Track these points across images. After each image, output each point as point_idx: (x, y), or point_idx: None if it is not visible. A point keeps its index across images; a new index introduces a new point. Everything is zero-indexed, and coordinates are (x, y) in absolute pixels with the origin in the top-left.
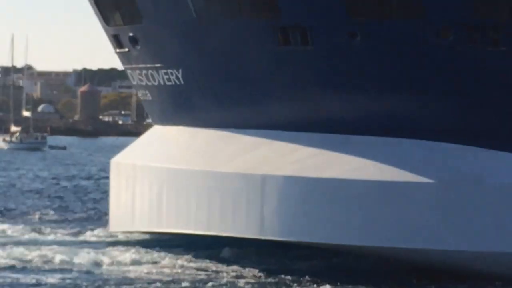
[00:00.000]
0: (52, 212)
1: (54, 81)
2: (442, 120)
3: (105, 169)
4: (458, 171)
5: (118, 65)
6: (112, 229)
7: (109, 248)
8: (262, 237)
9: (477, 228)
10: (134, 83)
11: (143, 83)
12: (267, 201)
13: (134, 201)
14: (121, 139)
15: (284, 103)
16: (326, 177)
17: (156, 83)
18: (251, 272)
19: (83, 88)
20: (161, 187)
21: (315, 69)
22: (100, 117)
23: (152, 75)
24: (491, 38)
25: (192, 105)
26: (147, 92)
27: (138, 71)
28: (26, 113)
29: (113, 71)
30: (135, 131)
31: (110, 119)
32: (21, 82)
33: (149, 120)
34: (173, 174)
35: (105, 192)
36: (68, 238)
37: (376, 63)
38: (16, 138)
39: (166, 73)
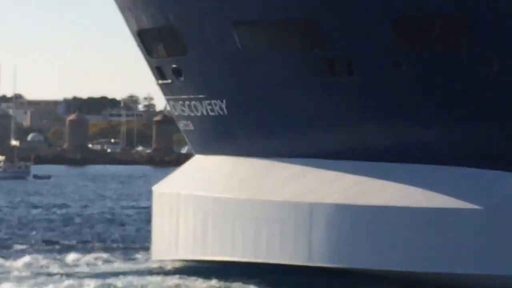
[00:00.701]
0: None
1: (44, 110)
2: (487, 147)
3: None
4: (505, 196)
5: (109, 94)
6: (155, 257)
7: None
8: (311, 264)
9: None
10: (176, 113)
11: (185, 114)
12: (315, 229)
13: (178, 229)
14: (110, 167)
15: (328, 132)
16: (373, 204)
17: (199, 114)
18: None
19: (72, 117)
20: (206, 216)
21: (360, 99)
22: (89, 145)
23: (195, 105)
24: None
25: (236, 134)
26: (189, 122)
27: (180, 102)
28: (14, 142)
29: (103, 99)
30: (124, 159)
31: (99, 147)
32: (10, 111)
33: (139, 148)
34: (218, 203)
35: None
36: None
37: (421, 92)
38: (0, 167)
39: (210, 104)
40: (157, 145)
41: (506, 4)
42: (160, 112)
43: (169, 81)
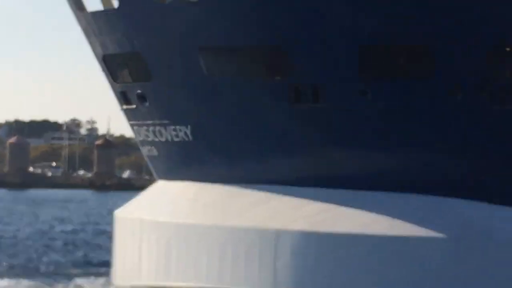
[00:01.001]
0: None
1: None
2: (450, 176)
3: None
4: (468, 226)
5: (51, 117)
6: (117, 283)
7: None
8: None
9: (487, 282)
10: (140, 139)
11: (149, 139)
12: (280, 255)
13: (141, 255)
14: (49, 191)
15: (293, 159)
16: (338, 232)
17: (163, 139)
18: None
19: (12, 140)
20: (169, 241)
21: (326, 126)
22: (31, 169)
23: (159, 131)
24: (499, 97)
25: (200, 160)
26: (153, 147)
27: (145, 127)
28: None
29: (45, 122)
30: (65, 183)
31: (40, 171)
32: None
33: (80, 172)
34: (182, 228)
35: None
36: None
37: (385, 120)
38: None
39: (175, 129)
40: (98, 169)
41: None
42: (103, 136)
43: (134, 106)
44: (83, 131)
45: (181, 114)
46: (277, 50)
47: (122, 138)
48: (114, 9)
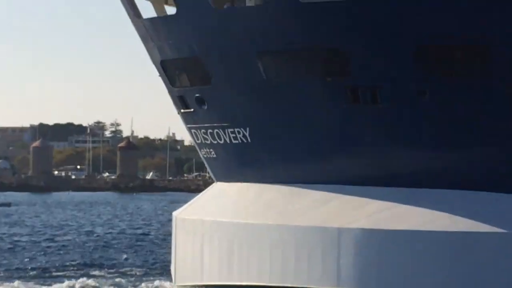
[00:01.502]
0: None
1: (11, 137)
2: (510, 173)
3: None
4: None
5: (74, 120)
6: (179, 282)
7: None
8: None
9: None
10: (198, 141)
11: (208, 142)
12: (343, 253)
13: (203, 255)
14: (73, 193)
15: (352, 159)
16: (401, 229)
17: (221, 142)
18: None
19: (36, 144)
20: (232, 241)
21: (384, 126)
22: (55, 172)
23: (218, 134)
24: None
25: (259, 162)
26: (211, 150)
27: (203, 130)
28: None
29: (69, 125)
30: (88, 185)
31: (63, 174)
32: None
33: (104, 174)
34: (244, 228)
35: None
36: None
37: (445, 119)
38: None
39: (233, 132)
40: (122, 171)
41: None
42: (127, 138)
43: (192, 110)
44: (107, 133)
45: (239, 117)
46: (334, 51)
47: (146, 140)
48: (172, 15)
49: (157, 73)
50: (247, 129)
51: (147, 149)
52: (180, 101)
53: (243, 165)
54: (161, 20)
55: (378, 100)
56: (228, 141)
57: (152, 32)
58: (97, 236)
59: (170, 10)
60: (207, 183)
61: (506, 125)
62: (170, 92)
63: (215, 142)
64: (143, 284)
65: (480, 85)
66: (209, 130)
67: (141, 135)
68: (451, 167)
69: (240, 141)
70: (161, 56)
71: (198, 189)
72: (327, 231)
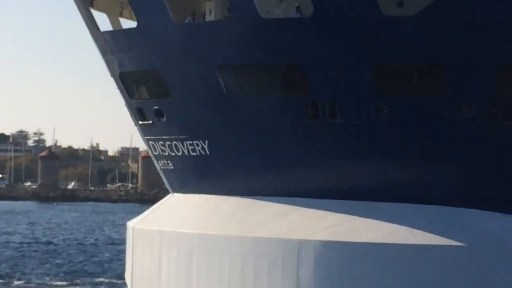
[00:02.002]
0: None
1: None
2: (466, 187)
3: None
4: (484, 234)
5: None
6: None
7: None
8: None
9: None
10: (156, 153)
11: (166, 154)
12: (303, 265)
13: (161, 265)
14: None
15: (312, 172)
16: (362, 242)
17: (179, 153)
18: None
19: None
20: (191, 252)
21: (343, 140)
22: None
23: (176, 145)
24: (507, 114)
25: (217, 174)
26: (169, 161)
27: (161, 142)
28: None
29: None
30: (9, 194)
31: None
32: None
33: (26, 184)
34: (204, 239)
35: None
36: None
37: (401, 135)
38: None
39: (192, 144)
40: (43, 181)
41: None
42: (49, 147)
43: (150, 122)
44: (30, 142)
45: (198, 129)
46: (295, 68)
47: (69, 150)
48: (133, 28)
49: (115, 86)
50: (206, 141)
51: (70, 158)
52: (138, 113)
53: (201, 177)
54: (122, 33)
55: (337, 115)
56: (186, 153)
57: (112, 44)
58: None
59: (125, 23)
60: (129, 194)
61: (461, 141)
62: (129, 104)
63: (173, 154)
64: None
65: (436, 102)
66: (167, 142)
67: (64, 145)
68: (407, 182)
69: (198, 153)
70: (120, 68)
71: (120, 199)
72: (287, 243)
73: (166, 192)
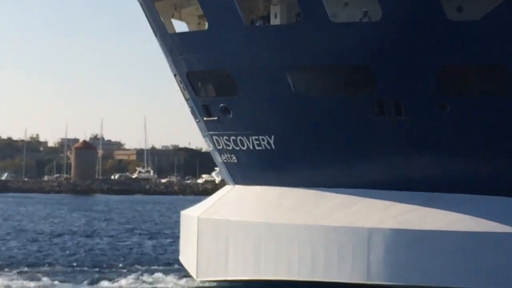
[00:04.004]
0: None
1: None
2: None
3: None
4: None
5: None
6: (201, 278)
7: None
8: (369, 282)
9: None
10: (219, 147)
11: (230, 148)
12: (373, 252)
13: (228, 252)
14: None
15: (375, 165)
16: (429, 229)
17: (244, 148)
18: None
19: None
20: (258, 240)
21: (408, 136)
22: None
23: (241, 140)
24: None
25: (282, 167)
26: (232, 155)
27: (225, 137)
28: None
29: None
30: None
31: None
32: None
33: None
34: (271, 228)
35: None
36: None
37: (464, 130)
38: None
39: (257, 139)
40: None
41: None
42: None
43: (216, 118)
44: None
45: (265, 125)
46: (362, 68)
47: (8, 141)
48: (205, 30)
49: (176, 85)
50: (272, 137)
51: (8, 149)
52: (204, 110)
53: (265, 169)
54: (193, 34)
55: (402, 113)
56: (251, 147)
57: (180, 45)
58: None
59: (178, 24)
60: (61, 185)
61: None
62: (194, 101)
63: (237, 148)
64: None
65: (496, 102)
66: (232, 137)
67: (4, 136)
68: (468, 174)
69: (263, 148)
70: (188, 68)
71: (52, 190)
72: (357, 231)
73: (101, 183)
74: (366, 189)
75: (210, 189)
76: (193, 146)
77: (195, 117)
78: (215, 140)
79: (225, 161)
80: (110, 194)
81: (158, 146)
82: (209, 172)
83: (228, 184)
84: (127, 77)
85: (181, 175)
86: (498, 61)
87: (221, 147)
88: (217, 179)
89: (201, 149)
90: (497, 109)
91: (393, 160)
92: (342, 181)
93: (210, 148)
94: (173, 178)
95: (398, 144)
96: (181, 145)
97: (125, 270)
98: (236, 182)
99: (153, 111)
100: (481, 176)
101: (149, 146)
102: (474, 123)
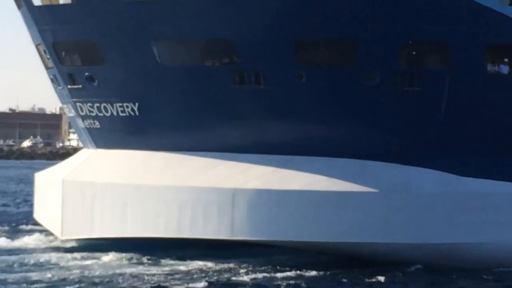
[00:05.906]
0: None
1: None
2: (371, 144)
3: None
4: (391, 182)
5: None
6: (66, 236)
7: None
8: (234, 238)
9: (404, 225)
10: (82, 113)
11: (93, 114)
12: (237, 210)
13: (93, 212)
14: None
15: (235, 130)
16: (289, 189)
17: (108, 114)
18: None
19: None
20: (125, 200)
21: (266, 104)
22: None
23: (105, 107)
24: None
25: (146, 132)
26: (95, 121)
27: (89, 104)
28: None
29: None
30: None
31: None
32: None
33: None
34: (137, 189)
35: None
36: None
37: (318, 99)
38: None
39: (121, 106)
40: None
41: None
42: None
43: (80, 86)
44: None
45: (129, 93)
46: (226, 42)
47: None
48: (73, 4)
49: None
50: (136, 104)
51: None
52: (68, 78)
53: (130, 134)
54: (61, 7)
55: (261, 83)
56: (115, 113)
57: (47, 17)
58: None
59: None
60: None
61: (369, 105)
62: (58, 69)
63: (101, 114)
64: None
65: (347, 73)
66: (96, 104)
67: None
68: (322, 138)
69: (127, 114)
70: (54, 38)
71: None
72: (222, 191)
73: None
74: (228, 153)
75: None
76: None
77: (58, 85)
78: (78, 107)
79: (88, 126)
80: None
81: None
82: None
83: (89, 148)
84: None
85: None
86: (346, 35)
87: (84, 113)
88: None
89: None
90: (346, 80)
91: (252, 125)
92: (205, 146)
93: (71, 115)
94: None
95: (258, 111)
96: None
97: None
98: (98, 146)
99: None
100: (333, 141)
101: None
102: (327, 93)
